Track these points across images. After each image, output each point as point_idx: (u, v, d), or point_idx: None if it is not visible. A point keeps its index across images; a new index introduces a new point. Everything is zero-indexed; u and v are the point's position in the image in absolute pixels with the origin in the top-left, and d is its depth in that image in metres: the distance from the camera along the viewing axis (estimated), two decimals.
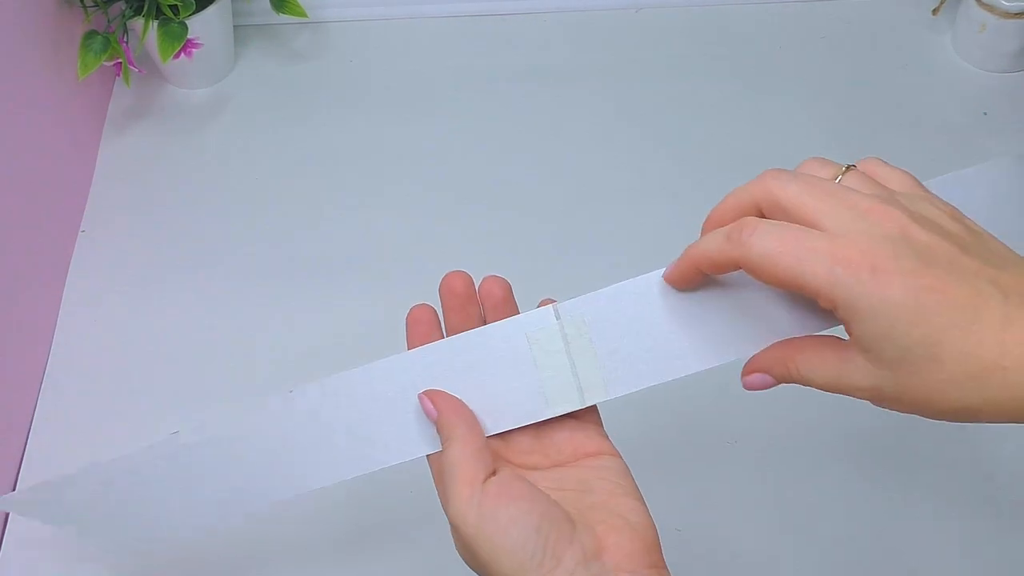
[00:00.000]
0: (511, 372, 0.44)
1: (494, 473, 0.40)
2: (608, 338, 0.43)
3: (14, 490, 0.65)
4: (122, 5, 0.79)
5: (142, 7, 0.78)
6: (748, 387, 0.40)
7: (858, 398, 0.37)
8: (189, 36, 0.79)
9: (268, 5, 0.85)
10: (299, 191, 0.81)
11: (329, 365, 0.70)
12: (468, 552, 0.39)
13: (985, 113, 0.84)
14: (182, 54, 0.79)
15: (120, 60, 0.78)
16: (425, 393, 0.44)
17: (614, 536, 0.39)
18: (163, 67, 0.84)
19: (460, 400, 0.44)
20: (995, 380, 0.33)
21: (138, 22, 0.79)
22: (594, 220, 0.78)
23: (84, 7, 0.79)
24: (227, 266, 0.76)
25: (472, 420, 0.43)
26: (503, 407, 0.44)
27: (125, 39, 0.79)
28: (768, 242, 0.35)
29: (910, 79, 0.87)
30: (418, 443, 0.44)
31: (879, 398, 0.36)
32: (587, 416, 0.45)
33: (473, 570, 0.40)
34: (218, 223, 0.79)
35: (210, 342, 0.72)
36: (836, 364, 0.37)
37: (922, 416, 0.35)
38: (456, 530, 0.39)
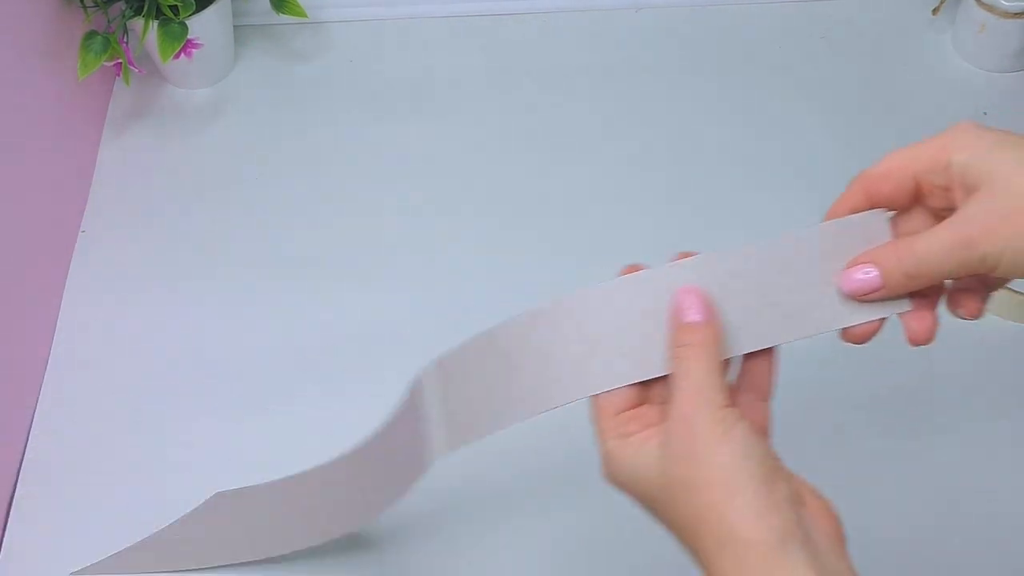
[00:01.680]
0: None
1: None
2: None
3: (13, 491, 0.66)
4: (122, 5, 0.79)
5: (142, 7, 0.78)
6: (850, 287, 0.41)
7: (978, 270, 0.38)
8: (189, 36, 0.79)
9: (268, 5, 0.85)
10: (299, 191, 0.81)
11: (330, 365, 0.71)
12: (678, 465, 0.38)
13: (985, 113, 0.84)
14: (182, 54, 0.79)
15: (120, 60, 0.78)
16: (691, 291, 0.41)
17: (808, 495, 0.39)
18: (163, 67, 0.84)
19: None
20: None
21: (138, 22, 0.79)
22: (594, 220, 0.78)
23: (84, 7, 0.79)
24: (227, 266, 0.76)
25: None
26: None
27: (125, 39, 0.79)
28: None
29: (910, 79, 0.87)
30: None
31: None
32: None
33: (659, 491, 0.39)
34: (218, 223, 0.79)
35: (210, 342, 0.72)
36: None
37: None
38: (690, 429, 0.38)
